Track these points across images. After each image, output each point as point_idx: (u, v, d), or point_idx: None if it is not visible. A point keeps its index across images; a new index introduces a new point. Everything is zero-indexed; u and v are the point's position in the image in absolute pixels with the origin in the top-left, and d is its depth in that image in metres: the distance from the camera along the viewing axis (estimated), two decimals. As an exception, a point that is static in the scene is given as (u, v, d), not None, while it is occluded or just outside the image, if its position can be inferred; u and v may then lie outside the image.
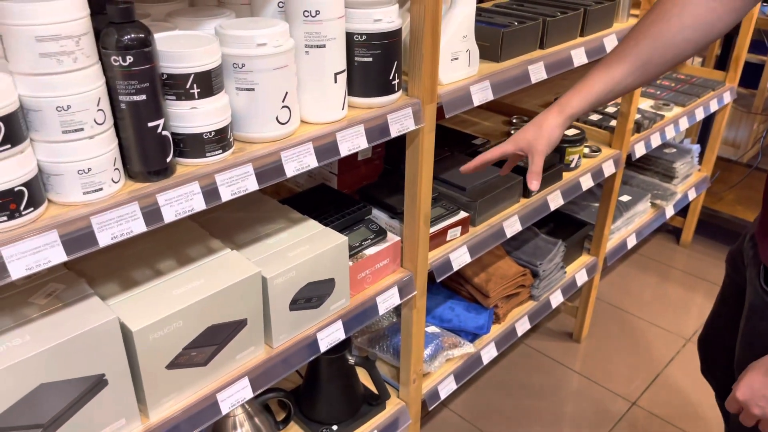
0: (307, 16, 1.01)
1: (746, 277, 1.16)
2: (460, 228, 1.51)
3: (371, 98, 1.15)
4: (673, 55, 1.04)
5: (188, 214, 0.92)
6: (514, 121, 2.14)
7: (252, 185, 0.99)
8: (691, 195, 2.57)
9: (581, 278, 2.09)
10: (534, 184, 1.15)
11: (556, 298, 1.99)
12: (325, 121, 1.10)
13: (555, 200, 1.74)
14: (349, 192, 1.60)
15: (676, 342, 2.37)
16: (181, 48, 0.88)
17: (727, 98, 2.47)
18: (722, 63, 3.06)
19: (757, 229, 1.12)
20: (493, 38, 1.39)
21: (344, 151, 1.10)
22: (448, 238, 1.50)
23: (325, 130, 1.08)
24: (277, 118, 1.02)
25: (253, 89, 0.98)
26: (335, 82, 1.08)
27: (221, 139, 0.95)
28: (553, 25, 1.49)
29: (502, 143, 1.20)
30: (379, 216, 1.47)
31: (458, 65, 1.29)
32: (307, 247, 1.20)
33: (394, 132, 1.17)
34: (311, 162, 1.06)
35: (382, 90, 1.15)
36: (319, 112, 1.09)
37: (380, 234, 1.37)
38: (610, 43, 1.62)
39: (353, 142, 1.12)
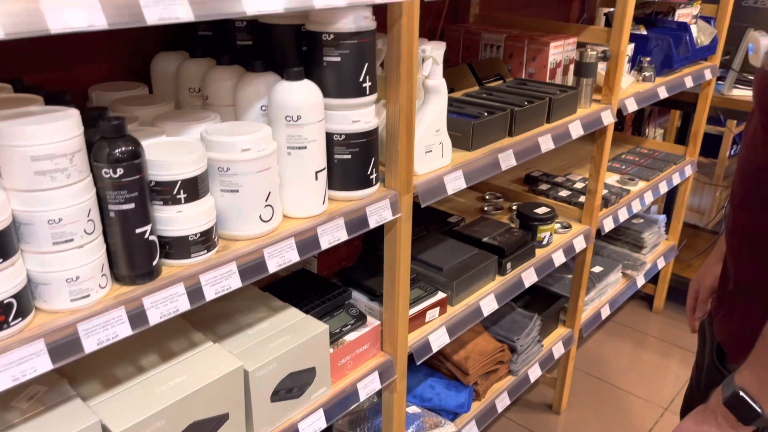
0: (289, 120, 1.07)
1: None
2: (438, 309, 1.54)
3: (350, 192, 1.20)
4: None
5: (173, 315, 0.94)
6: (487, 197, 2.21)
7: (235, 283, 1.02)
8: (660, 264, 2.65)
9: (558, 350, 2.12)
10: (699, 312, 1.32)
11: (535, 372, 2.01)
12: (306, 216, 1.14)
13: (529, 277, 1.79)
14: (330, 274, 1.63)
15: (654, 411, 2.39)
16: (168, 157, 0.93)
17: (689, 171, 2.59)
18: (682, 136, 3.21)
19: (713, 305, 1.18)
20: (464, 129, 1.47)
21: (325, 244, 1.14)
22: (426, 320, 1.52)
23: (306, 225, 1.12)
24: (260, 217, 1.06)
25: (237, 191, 1.02)
26: (316, 179, 1.13)
27: (206, 239, 0.98)
28: (520, 115, 1.57)
29: (689, 292, 1.36)
30: (359, 298, 1.50)
31: (432, 157, 1.35)
32: (288, 337, 1.22)
33: (373, 223, 1.22)
34: (293, 257, 1.10)
35: (361, 184, 1.20)
36: (301, 208, 1.14)
37: (360, 319, 1.39)
38: (575, 129, 1.71)
39: (333, 235, 1.16)
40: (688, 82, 2.25)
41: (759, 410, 0.92)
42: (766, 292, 1.02)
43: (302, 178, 1.11)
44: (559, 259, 1.89)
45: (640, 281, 2.52)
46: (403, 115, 1.20)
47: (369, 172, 1.21)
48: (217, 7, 0.82)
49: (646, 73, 2.10)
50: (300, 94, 1.06)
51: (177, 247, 0.96)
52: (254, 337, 1.22)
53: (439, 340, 1.52)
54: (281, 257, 1.08)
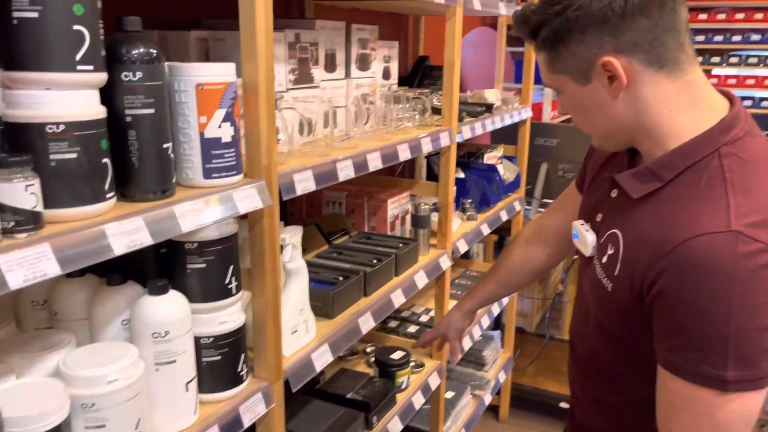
0: (157, 336, 1.03)
1: None
2: (313, 484, 1.50)
3: (221, 393, 1.16)
4: (519, 281, 1.58)
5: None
6: (341, 342, 2.24)
7: None
8: (502, 377, 2.84)
9: (426, 488, 2.14)
10: (454, 357, 1.76)
11: None
12: (179, 431, 1.08)
13: (394, 427, 1.82)
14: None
15: None
16: (26, 410, 0.84)
17: (514, 289, 2.87)
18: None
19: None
20: (323, 298, 1.51)
21: (201, 458, 1.08)
22: (303, 499, 1.47)
23: (179, 441, 1.06)
24: (130, 447, 0.98)
25: (104, 426, 0.94)
26: (187, 390, 1.08)
27: (71, 490, 0.89)
28: (372, 275, 1.66)
29: (424, 337, 1.79)
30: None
31: (298, 336, 1.37)
32: None
33: (247, 421, 1.18)
34: (168, 482, 1.02)
35: (232, 383, 1.17)
36: (172, 424, 1.07)
37: None
38: (420, 279, 1.84)
39: (209, 446, 1.10)
40: (503, 216, 2.54)
41: None
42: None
43: (172, 392, 1.06)
44: (418, 401, 1.96)
45: (488, 399, 2.67)
46: (269, 307, 1.21)
47: (239, 369, 1.18)
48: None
49: (470, 213, 2.34)
50: (168, 309, 1.03)
51: None
52: None
53: None
54: (155, 486, 1.00)
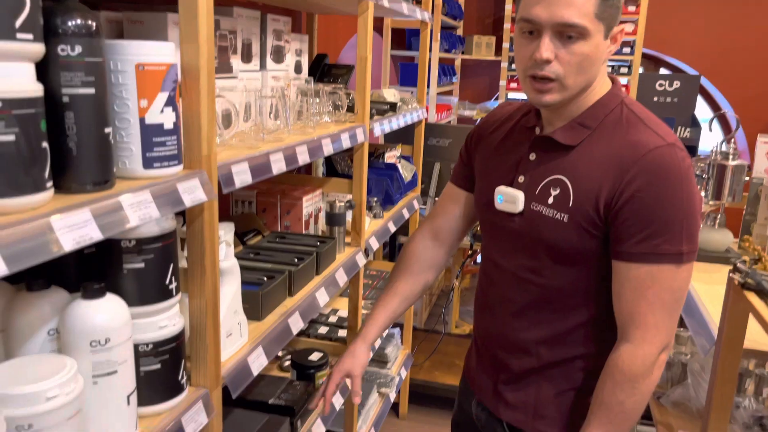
0: (96, 345, 0.91)
1: None
2: (245, 496, 1.42)
3: (162, 404, 1.06)
4: (422, 289, 1.50)
5: None
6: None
7: None
8: (403, 373, 2.88)
9: (343, 491, 2.11)
10: (357, 399, 1.43)
11: None
12: (118, 450, 0.97)
13: (318, 430, 1.77)
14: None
15: None
16: (-43, 437, 0.71)
17: (413, 286, 2.92)
18: (392, 254, 3.63)
19: (490, 396, 1.36)
20: (251, 299, 1.43)
21: (146, 477, 0.98)
22: None
23: (121, 461, 0.95)
24: (70, 472, 0.86)
25: (42, 450, 0.82)
26: (128, 404, 0.97)
27: None
28: (297, 274, 1.61)
29: (332, 377, 1.42)
30: None
31: (233, 339, 1.29)
32: None
33: (190, 433, 1.09)
34: (113, 507, 0.91)
35: (172, 392, 1.08)
36: (112, 443, 0.96)
37: None
38: (341, 277, 1.81)
39: (153, 463, 1.00)
40: (405, 213, 2.58)
41: None
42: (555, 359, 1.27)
43: (112, 408, 0.95)
44: (338, 401, 1.92)
45: (392, 395, 2.69)
46: (209, 308, 1.13)
47: (180, 377, 1.09)
48: None
49: (376, 211, 2.35)
50: (107, 314, 0.92)
51: None
52: None
53: None
54: None
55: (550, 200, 1.20)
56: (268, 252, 1.74)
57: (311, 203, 1.96)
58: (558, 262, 1.21)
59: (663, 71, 5.63)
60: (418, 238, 1.50)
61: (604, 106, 1.19)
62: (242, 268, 1.59)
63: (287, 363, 2.06)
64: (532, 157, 1.25)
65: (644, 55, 5.09)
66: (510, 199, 1.24)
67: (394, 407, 3.23)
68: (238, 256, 1.68)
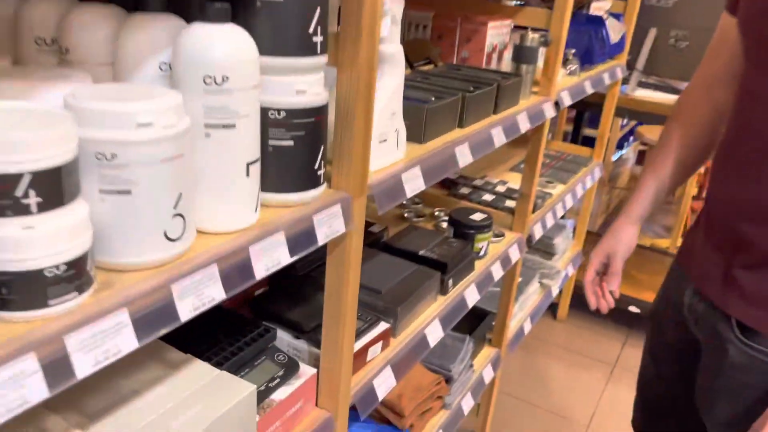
0: (210, 83, 0.69)
1: (694, 334, 1.11)
2: (381, 343, 1.21)
3: (291, 194, 0.84)
4: (702, 153, 1.18)
5: (18, 412, 0.53)
6: (405, 202, 1.92)
7: (127, 344, 0.62)
8: (570, 271, 2.53)
9: (488, 375, 1.88)
10: (614, 282, 1.28)
11: (468, 403, 1.75)
12: (231, 230, 0.77)
13: (471, 295, 1.52)
14: (235, 303, 1.24)
15: (574, 429, 2.24)
16: (9, 131, 0.52)
17: (597, 174, 2.50)
18: (574, 139, 3.17)
19: (718, 284, 1.03)
20: (415, 116, 1.16)
21: (260, 272, 0.77)
22: (368, 358, 1.19)
23: (233, 244, 0.75)
24: (165, 233, 0.67)
25: (129, 192, 0.63)
26: (248, 174, 0.76)
27: (75, 275, 0.58)
28: (471, 101, 1.30)
29: (591, 261, 1.32)
30: (280, 337, 1.13)
31: (386, 148, 1.03)
32: (197, 408, 0.83)
33: (322, 238, 0.87)
34: (216, 294, 0.72)
35: (306, 183, 0.85)
36: (225, 219, 0.76)
37: (291, 368, 1.03)
38: (523, 122, 1.48)
39: (272, 258, 0.79)
40: (606, 79, 2.13)
41: None
42: None
43: (228, 172, 0.74)
44: (497, 272, 1.65)
45: (555, 291, 2.37)
46: (362, 87, 0.86)
47: (317, 166, 0.85)
48: None
49: (572, 66, 1.94)
50: (227, 44, 0.69)
51: (25, 289, 0.55)
52: (145, 412, 0.81)
53: (385, 384, 1.19)
54: (198, 295, 0.70)
55: None
56: (439, 78, 1.44)
57: (497, 33, 1.61)
58: None
59: None
60: (691, 91, 1.19)
61: None
62: (411, 87, 1.32)
63: (444, 224, 1.81)
64: None
65: None
66: None
67: (552, 308, 2.92)
68: (407, 78, 1.41)
